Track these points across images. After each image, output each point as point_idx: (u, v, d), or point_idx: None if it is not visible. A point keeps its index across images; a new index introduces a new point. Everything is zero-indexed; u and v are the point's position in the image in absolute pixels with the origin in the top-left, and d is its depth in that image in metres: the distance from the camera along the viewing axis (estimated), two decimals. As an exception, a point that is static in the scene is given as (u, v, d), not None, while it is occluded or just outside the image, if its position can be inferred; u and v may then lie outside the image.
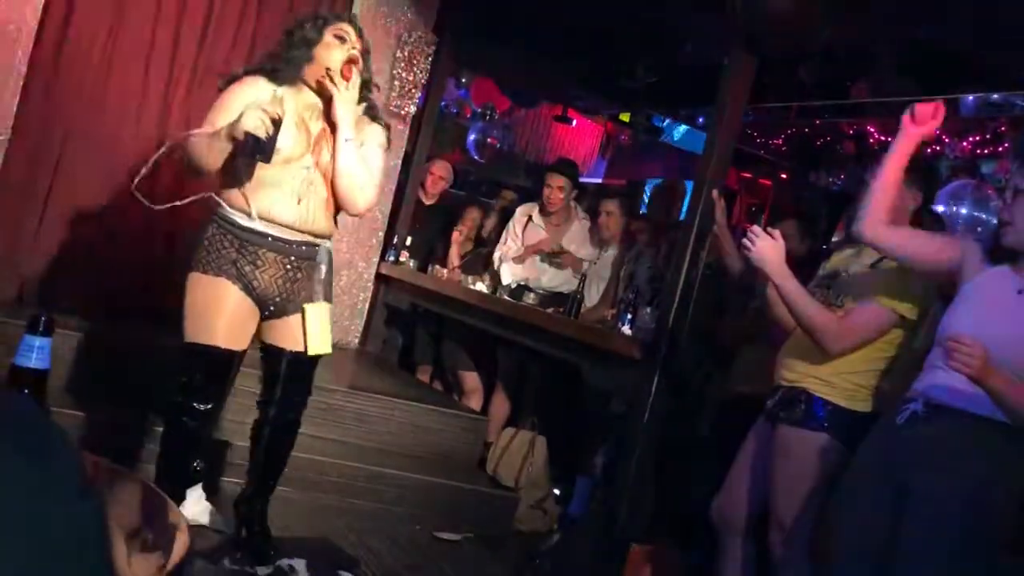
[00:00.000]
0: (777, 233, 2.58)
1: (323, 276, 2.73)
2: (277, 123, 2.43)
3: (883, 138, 7.04)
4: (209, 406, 2.71)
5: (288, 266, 2.66)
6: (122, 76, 4.27)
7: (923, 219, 2.77)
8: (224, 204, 2.63)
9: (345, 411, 3.90)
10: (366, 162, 2.68)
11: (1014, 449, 2.08)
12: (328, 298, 2.77)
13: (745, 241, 2.61)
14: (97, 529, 0.50)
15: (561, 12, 5.06)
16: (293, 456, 3.44)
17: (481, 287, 4.70)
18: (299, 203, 2.61)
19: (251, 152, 2.44)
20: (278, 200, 2.59)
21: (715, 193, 3.42)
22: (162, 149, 2.66)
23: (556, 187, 4.86)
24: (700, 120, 7.93)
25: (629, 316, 3.78)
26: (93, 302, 4.25)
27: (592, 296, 4.64)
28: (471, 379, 5.06)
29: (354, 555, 3.16)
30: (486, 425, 4.52)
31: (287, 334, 2.74)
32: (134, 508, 1.48)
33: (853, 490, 2.33)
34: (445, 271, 5.07)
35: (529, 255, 4.91)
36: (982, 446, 2.10)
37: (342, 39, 2.62)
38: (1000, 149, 6.77)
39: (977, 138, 6.85)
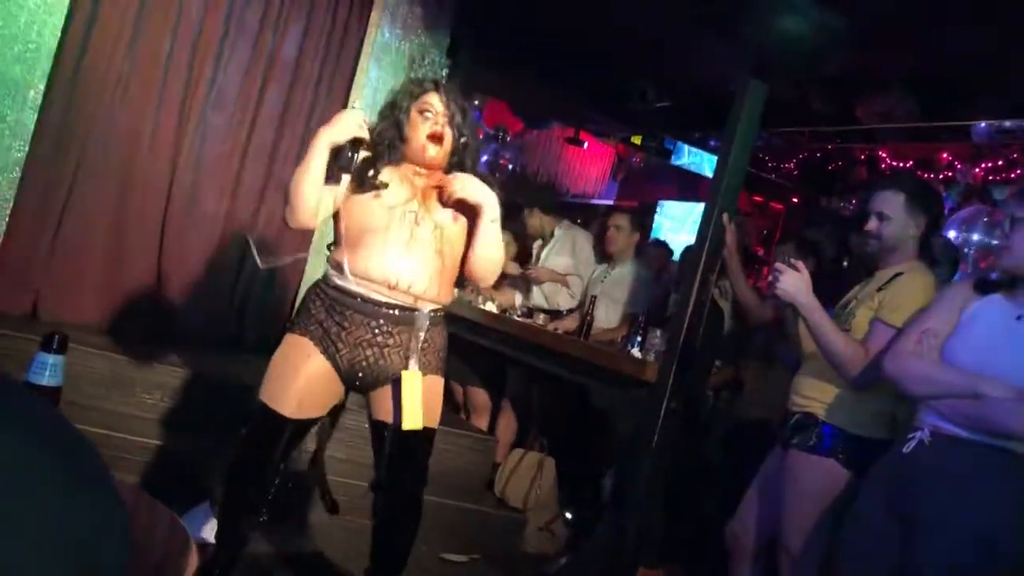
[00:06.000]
0: (800, 264, 2.59)
1: (421, 343, 2.49)
2: (365, 145, 2.40)
3: (895, 163, 7.04)
4: (258, 465, 2.54)
5: (376, 330, 2.44)
6: (138, 93, 4.31)
7: (931, 244, 2.77)
8: (328, 262, 2.52)
9: (353, 430, 3.89)
10: (493, 238, 2.53)
11: (1022, 477, 2.07)
12: (432, 368, 2.54)
13: (770, 279, 2.62)
14: (123, 529, 0.50)
15: (573, 35, 5.09)
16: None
17: (491, 307, 4.71)
18: (404, 257, 2.42)
19: (338, 159, 2.39)
20: (380, 252, 2.42)
21: (725, 217, 3.43)
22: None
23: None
24: (712, 143, 7.95)
25: (639, 338, 3.79)
26: (105, 320, 4.29)
27: (600, 315, 4.65)
28: (481, 397, 5.07)
29: None
30: (495, 446, 4.52)
31: (385, 406, 2.52)
32: (140, 524, 1.48)
33: (861, 519, 2.32)
34: (456, 290, 5.10)
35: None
36: (989, 474, 2.08)
37: (426, 113, 2.52)
38: (1013, 176, 6.76)
39: (989, 164, 6.84)
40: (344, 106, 4.72)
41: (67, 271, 4.24)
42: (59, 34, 4.02)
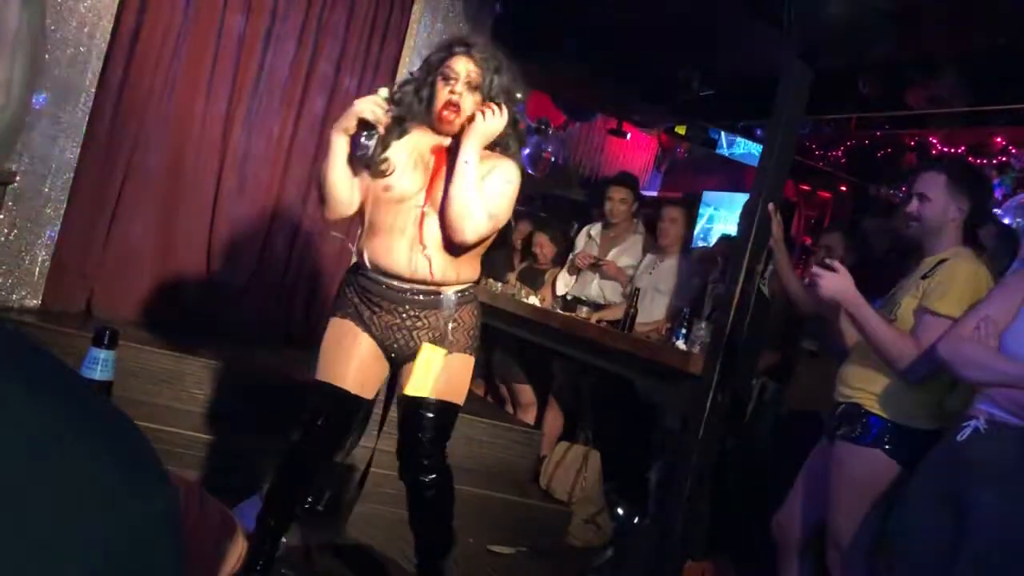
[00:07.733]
0: (837, 264, 2.57)
1: (450, 323, 2.52)
2: (381, 130, 2.40)
3: (946, 149, 6.87)
4: (327, 449, 2.63)
5: (404, 314, 2.52)
6: (185, 92, 4.39)
7: (980, 228, 2.70)
8: (354, 250, 2.64)
9: (400, 423, 3.93)
10: (483, 191, 2.44)
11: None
12: (461, 347, 2.55)
13: (811, 283, 2.60)
14: (175, 522, 0.51)
15: (615, 26, 5.06)
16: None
17: (534, 300, 4.71)
18: (414, 250, 2.47)
19: (354, 148, 2.39)
20: (391, 248, 2.47)
21: (771, 207, 3.38)
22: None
23: (618, 199, 4.95)
24: (758, 132, 7.83)
25: (683, 330, 3.76)
26: (157, 316, 4.38)
27: (646, 307, 4.59)
28: (526, 392, 5.07)
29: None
30: (540, 439, 4.52)
31: (406, 379, 2.59)
32: (190, 514, 1.51)
33: (913, 508, 2.28)
34: (499, 284, 5.09)
35: (577, 267, 5.00)
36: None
37: (447, 79, 2.49)
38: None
39: (1046, 148, 6.64)
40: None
41: (119, 269, 4.33)
42: (109, 37, 4.10)
